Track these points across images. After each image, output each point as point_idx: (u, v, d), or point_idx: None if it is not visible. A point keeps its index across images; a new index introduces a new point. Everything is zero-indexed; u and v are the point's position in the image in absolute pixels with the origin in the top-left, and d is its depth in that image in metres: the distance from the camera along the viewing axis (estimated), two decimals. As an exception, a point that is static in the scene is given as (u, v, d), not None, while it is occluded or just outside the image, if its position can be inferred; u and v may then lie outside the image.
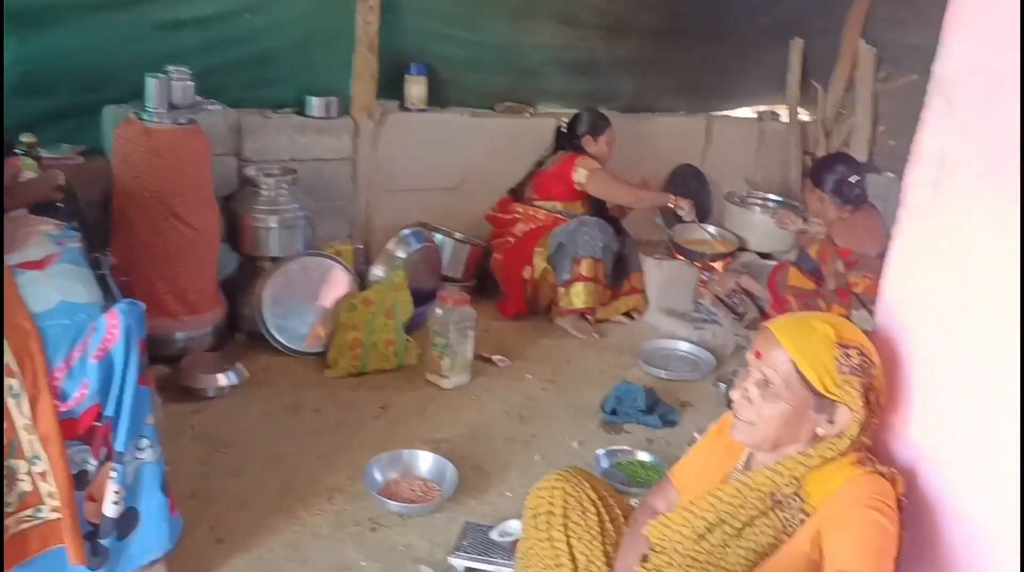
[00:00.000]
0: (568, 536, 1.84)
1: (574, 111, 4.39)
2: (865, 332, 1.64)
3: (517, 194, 4.40)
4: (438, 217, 4.31)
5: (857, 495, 1.52)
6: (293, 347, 3.51)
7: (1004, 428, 1.46)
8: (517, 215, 4.23)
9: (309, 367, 3.50)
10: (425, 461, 2.79)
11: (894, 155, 5.52)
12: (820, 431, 1.60)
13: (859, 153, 5.34)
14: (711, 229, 4.69)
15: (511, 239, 4.21)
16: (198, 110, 3.24)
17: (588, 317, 4.09)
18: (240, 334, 3.59)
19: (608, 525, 1.87)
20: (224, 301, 3.48)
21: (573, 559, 1.82)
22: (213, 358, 3.27)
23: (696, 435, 3.25)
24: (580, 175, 4.10)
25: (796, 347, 1.58)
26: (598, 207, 4.26)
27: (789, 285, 3.67)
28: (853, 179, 3.72)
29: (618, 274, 4.21)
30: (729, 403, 3.42)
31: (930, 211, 1.61)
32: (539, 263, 4.05)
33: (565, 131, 4.30)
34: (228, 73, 3.77)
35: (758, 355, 1.62)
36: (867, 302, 3.60)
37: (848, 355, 1.57)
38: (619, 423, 3.31)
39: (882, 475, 1.57)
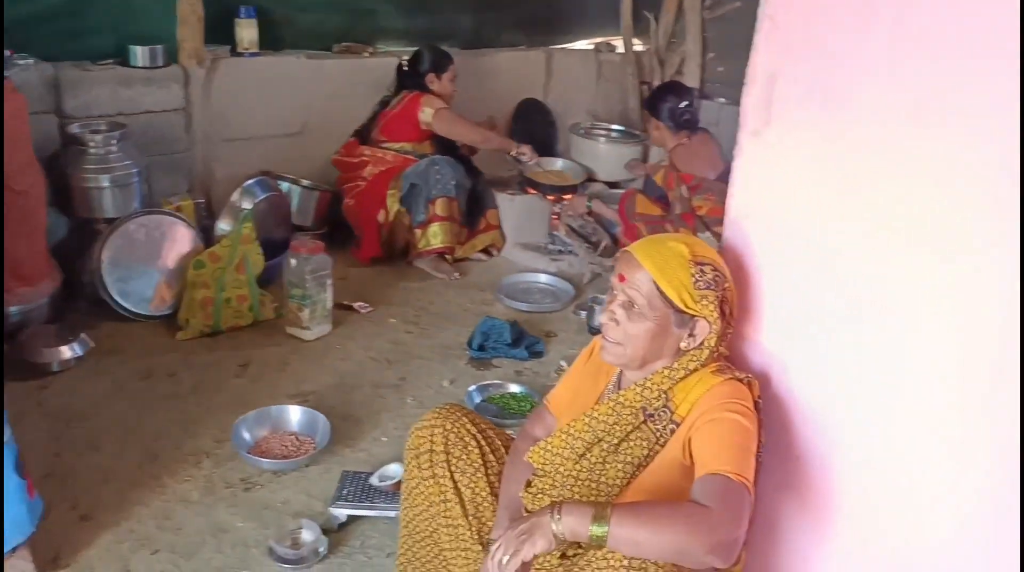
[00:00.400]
0: (452, 472, 1.86)
1: (414, 49, 4.31)
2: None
3: (363, 136, 4.30)
4: (283, 165, 4.16)
5: (718, 400, 1.61)
6: (139, 311, 3.33)
7: (837, 325, 1.58)
8: (365, 158, 4.15)
9: (159, 331, 3.34)
10: (294, 415, 2.74)
11: (724, 80, 5.75)
12: (683, 345, 1.68)
13: (691, 80, 5.53)
14: (559, 162, 4.76)
15: (361, 183, 4.12)
16: (9, 66, 2.96)
17: (447, 257, 4.09)
18: (81, 302, 3.37)
19: (490, 457, 1.90)
20: (58, 269, 3.25)
21: (458, 493, 1.85)
22: (54, 330, 3.06)
23: (563, 363, 3.34)
24: (425, 115, 4.05)
25: (655, 267, 1.64)
26: (448, 146, 4.24)
27: (638, 212, 3.79)
28: (683, 106, 3.86)
29: (473, 212, 4.22)
30: (591, 329, 3.56)
31: (765, 129, 1.70)
32: (392, 205, 4.00)
33: (407, 70, 4.22)
34: (38, 24, 3.47)
35: (621, 278, 1.67)
36: (711, 224, 3.77)
37: (703, 271, 1.64)
38: (487, 358, 3.35)
39: (739, 381, 1.66)
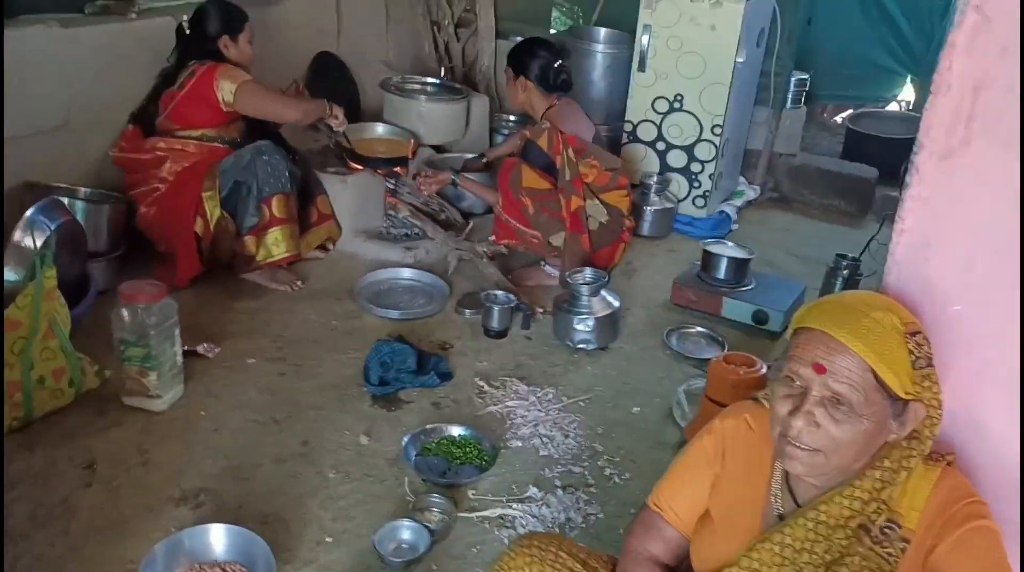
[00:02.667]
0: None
1: (192, 3, 3.41)
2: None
3: (144, 122, 3.36)
4: (46, 170, 3.15)
5: (953, 503, 1.28)
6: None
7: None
8: (159, 152, 3.25)
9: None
10: (215, 537, 2.02)
11: (522, 17, 5.33)
12: (891, 437, 1.31)
13: (486, 18, 5.06)
14: (380, 128, 4.11)
15: (160, 185, 3.23)
16: None
17: (283, 264, 3.36)
18: None
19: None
20: None
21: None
22: None
23: (481, 383, 2.85)
24: (225, 92, 3.21)
25: (872, 349, 1.24)
26: (260, 125, 3.43)
27: (524, 186, 3.31)
28: (558, 65, 3.41)
29: (302, 203, 3.47)
30: (489, 332, 3.08)
31: (961, 150, 1.33)
32: (212, 210, 3.18)
33: (191, 34, 3.31)
34: None
35: (819, 369, 1.25)
36: (597, 191, 3.40)
37: (919, 344, 1.28)
38: (391, 394, 2.77)
39: (949, 463, 1.34)
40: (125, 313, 2.48)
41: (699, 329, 3.28)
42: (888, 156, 4.89)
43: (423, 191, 3.69)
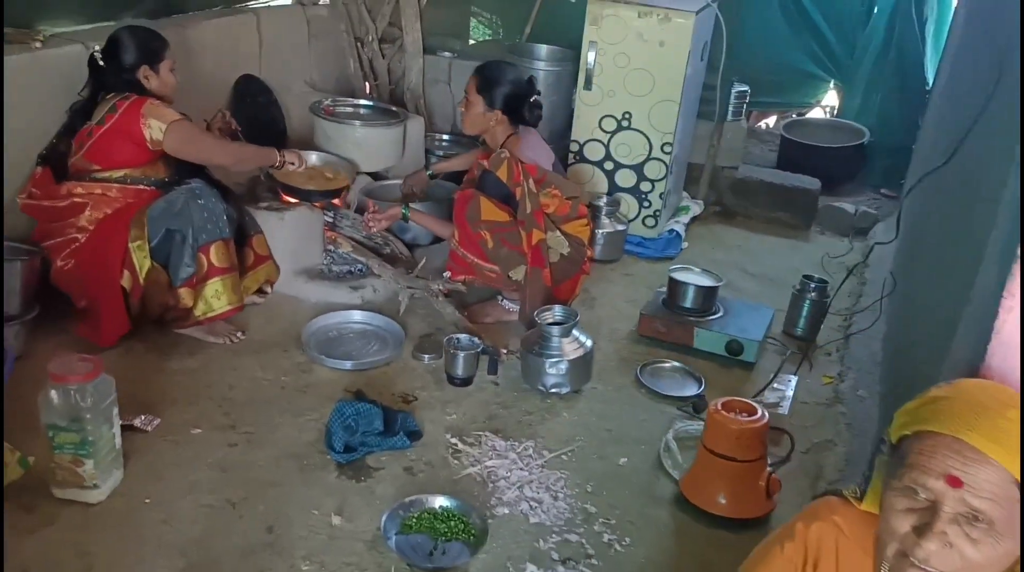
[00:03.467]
0: None
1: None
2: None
3: (55, 164, 3.01)
4: (-58, 225, 2.77)
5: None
6: None
7: None
8: (76, 198, 2.90)
9: None
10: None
11: (451, 31, 5.11)
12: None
13: (411, 31, 4.81)
14: (314, 156, 3.81)
15: (79, 236, 2.89)
16: None
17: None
18: None
19: None
20: None
21: None
22: None
23: (453, 440, 2.64)
24: (154, 130, 2.88)
25: (1010, 454, 1.08)
26: (188, 162, 3.11)
27: (483, 219, 3.09)
28: (533, 99, 3.20)
29: (237, 244, 3.15)
30: (454, 380, 2.86)
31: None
32: (141, 262, 2.86)
33: (104, 64, 2.98)
34: None
35: (954, 482, 1.09)
36: (558, 222, 3.21)
37: (1050, 434, 1.13)
38: (358, 460, 2.53)
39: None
40: (55, 395, 2.16)
41: (673, 363, 3.14)
42: (824, 165, 4.90)
43: (372, 229, 3.43)
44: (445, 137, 4.85)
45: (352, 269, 3.59)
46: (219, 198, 2.95)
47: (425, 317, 3.34)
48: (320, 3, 4.70)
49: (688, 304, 3.26)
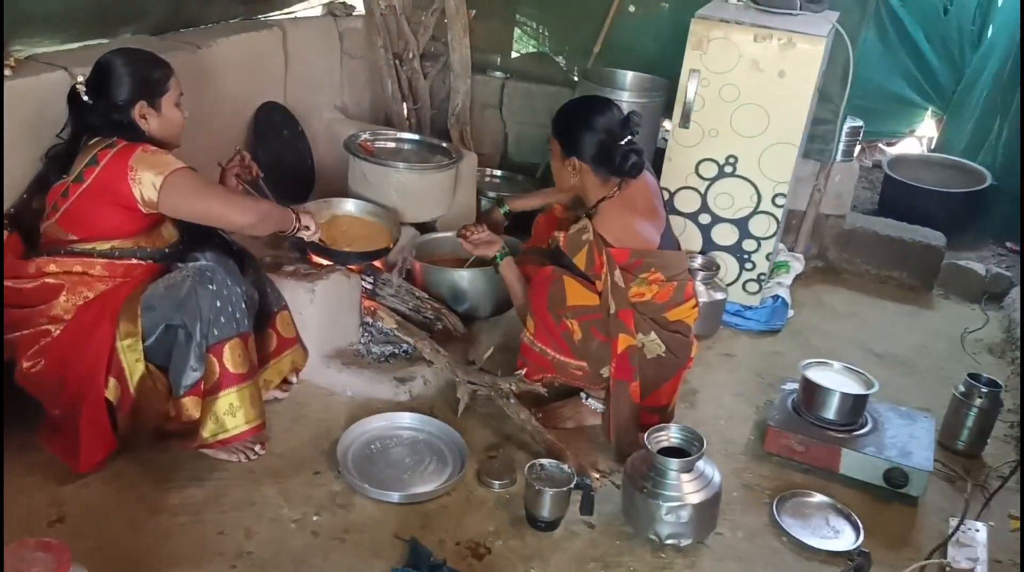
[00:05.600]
0: None
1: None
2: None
3: (26, 226, 2.33)
4: None
5: None
6: None
7: None
8: (50, 278, 2.21)
9: None
10: None
11: (499, 48, 4.40)
12: None
13: (457, 50, 4.11)
14: (350, 204, 3.12)
15: (51, 327, 2.20)
16: None
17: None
18: None
19: None
20: None
21: None
22: None
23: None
24: (145, 186, 2.16)
25: None
26: (196, 225, 2.41)
27: (569, 305, 2.40)
28: (624, 143, 2.47)
29: (257, 325, 2.45)
30: (537, 523, 2.17)
31: None
32: (133, 367, 2.17)
33: (90, 99, 2.27)
34: None
35: None
36: (656, 312, 2.49)
37: None
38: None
39: None
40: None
41: (819, 498, 2.43)
42: (936, 212, 4.18)
43: (476, 250, 2.69)
44: (497, 173, 4.18)
45: (396, 350, 2.90)
46: (236, 277, 2.27)
47: (488, 419, 2.66)
48: (354, 14, 4.01)
49: (831, 415, 2.56)
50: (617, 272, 2.40)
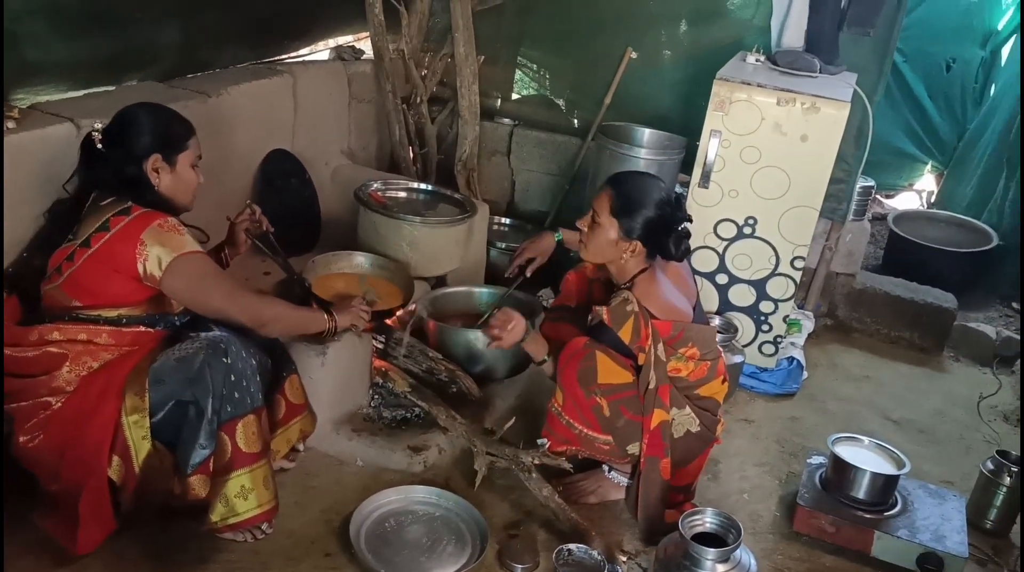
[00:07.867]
0: None
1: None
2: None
3: (26, 287, 2.19)
4: None
5: None
6: None
7: None
8: (51, 347, 2.07)
9: None
10: None
11: (502, 93, 4.33)
12: None
13: (466, 94, 4.03)
14: (360, 257, 3.02)
15: (52, 400, 2.06)
16: None
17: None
18: None
19: None
20: None
21: None
22: None
23: None
24: (151, 263, 2.05)
25: None
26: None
27: (600, 383, 2.30)
28: (682, 228, 2.37)
29: (265, 394, 2.33)
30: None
31: None
32: (139, 444, 2.04)
33: (104, 150, 2.16)
34: None
35: None
36: (690, 388, 2.40)
37: None
38: None
39: None
40: None
41: (852, 585, 2.35)
42: (942, 270, 4.15)
43: (505, 341, 2.49)
44: (506, 221, 4.09)
45: (408, 414, 2.78)
46: (251, 348, 2.14)
47: (507, 491, 2.55)
48: (363, 58, 3.92)
49: (861, 494, 2.47)
50: (660, 345, 2.31)
